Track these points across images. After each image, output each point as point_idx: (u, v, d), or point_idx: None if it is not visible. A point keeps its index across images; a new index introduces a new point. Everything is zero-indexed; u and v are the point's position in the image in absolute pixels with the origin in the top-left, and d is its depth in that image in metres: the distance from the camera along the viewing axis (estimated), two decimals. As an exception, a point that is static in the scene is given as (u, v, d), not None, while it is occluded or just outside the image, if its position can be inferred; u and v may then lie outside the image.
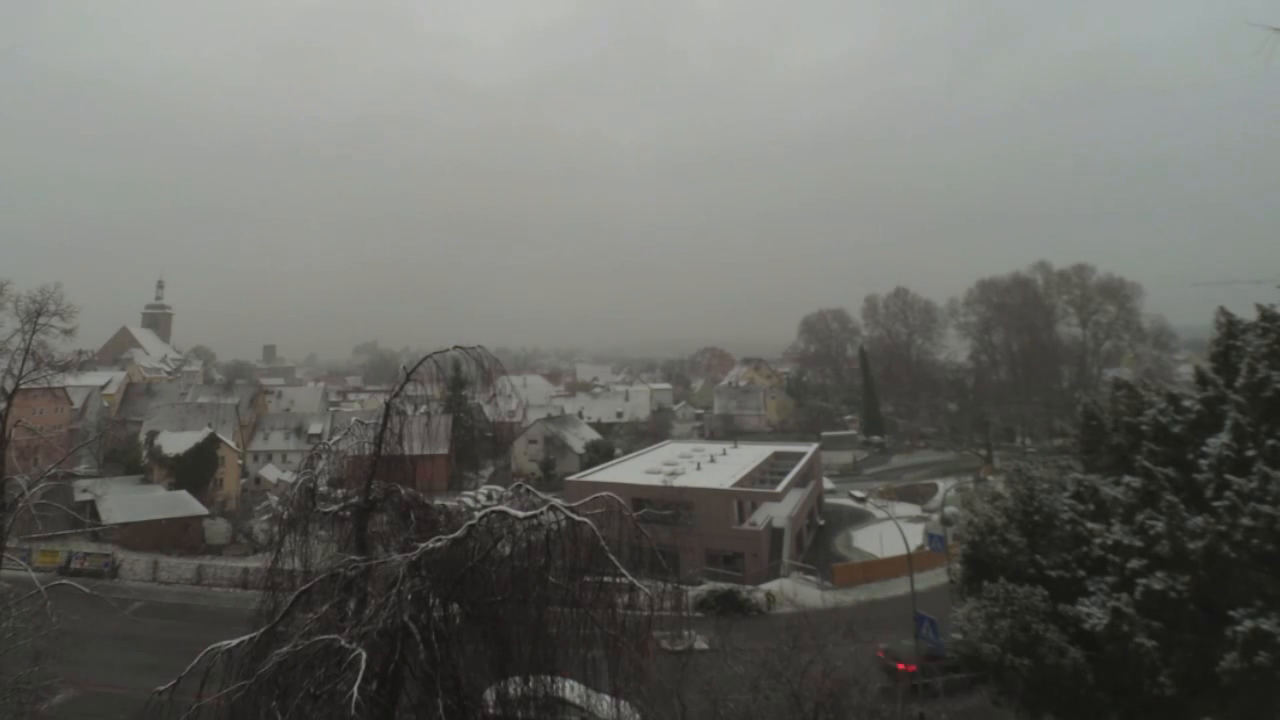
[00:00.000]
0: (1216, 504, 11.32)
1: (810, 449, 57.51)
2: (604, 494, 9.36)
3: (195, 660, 8.03)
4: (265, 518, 46.65)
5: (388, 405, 10.50)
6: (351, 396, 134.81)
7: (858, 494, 61.49)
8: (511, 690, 8.68)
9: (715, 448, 59.47)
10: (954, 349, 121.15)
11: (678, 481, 42.41)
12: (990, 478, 56.36)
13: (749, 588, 32.71)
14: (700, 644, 19.43)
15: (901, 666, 20.06)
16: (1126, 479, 13.65)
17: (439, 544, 8.28)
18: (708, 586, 32.14)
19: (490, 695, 8.79)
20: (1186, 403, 13.58)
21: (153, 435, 63.59)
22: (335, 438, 12.36)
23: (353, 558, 9.07)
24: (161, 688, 7.91)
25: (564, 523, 8.52)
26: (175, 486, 54.63)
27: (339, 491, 10.99)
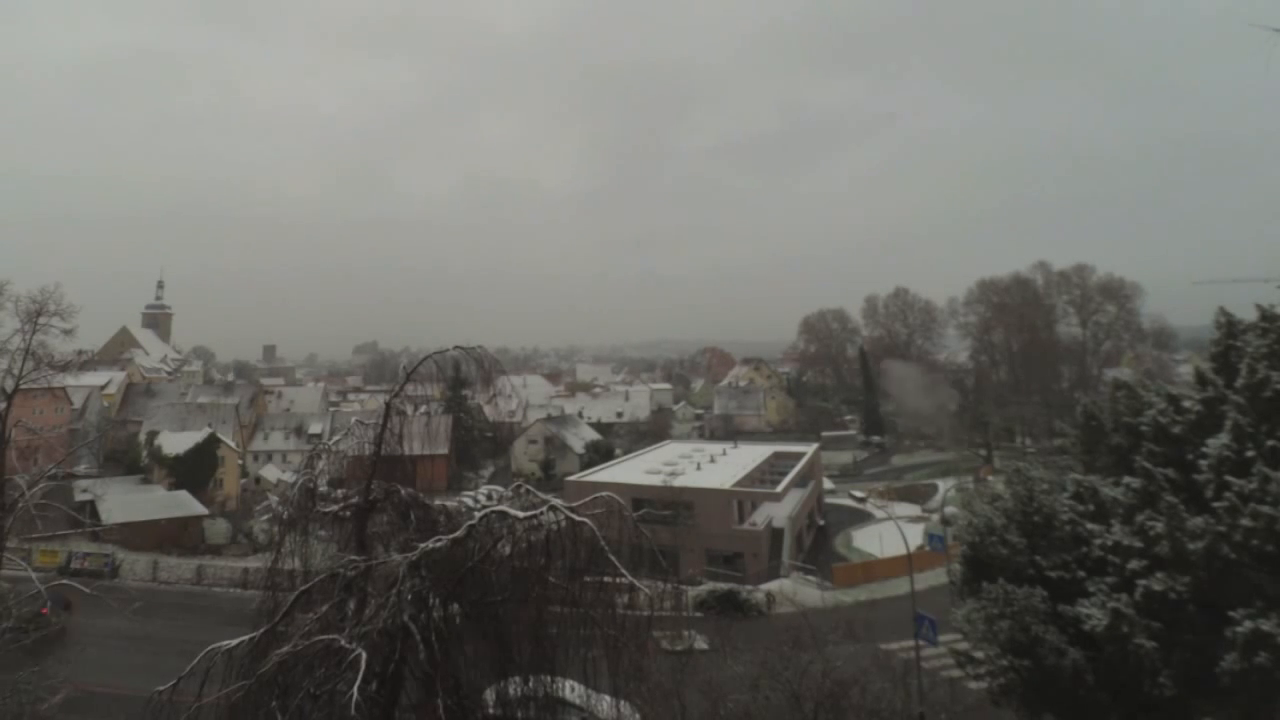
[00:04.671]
0: (1216, 505, 11.30)
1: (810, 449, 57.49)
2: (604, 494, 9.36)
3: (195, 660, 8.03)
4: (265, 518, 46.68)
5: (388, 405, 10.51)
6: (351, 396, 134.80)
7: (858, 494, 61.48)
8: (511, 690, 8.68)
9: (715, 448, 59.45)
10: (954, 349, 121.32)
11: (678, 481, 42.38)
12: (990, 478, 56.39)
13: (749, 588, 32.70)
14: (700, 644, 19.47)
15: None
16: (1126, 480, 13.64)
17: (439, 544, 8.29)
18: (708, 586, 32.12)
19: (490, 695, 8.79)
20: (1186, 403, 13.56)
21: (153, 435, 63.60)
22: (335, 438, 12.38)
23: (353, 558, 9.07)
24: (161, 688, 7.91)
25: (564, 523, 8.52)
26: (175, 486, 54.62)
27: (339, 491, 11.01)
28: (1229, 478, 11.28)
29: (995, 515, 15.32)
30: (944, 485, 61.10)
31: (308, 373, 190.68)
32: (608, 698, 8.69)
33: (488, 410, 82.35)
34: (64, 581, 18.27)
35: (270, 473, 71.02)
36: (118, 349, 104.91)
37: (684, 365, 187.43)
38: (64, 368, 22.39)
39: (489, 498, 54.77)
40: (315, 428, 77.38)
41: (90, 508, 41.14)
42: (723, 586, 32.08)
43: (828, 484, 61.78)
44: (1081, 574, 13.75)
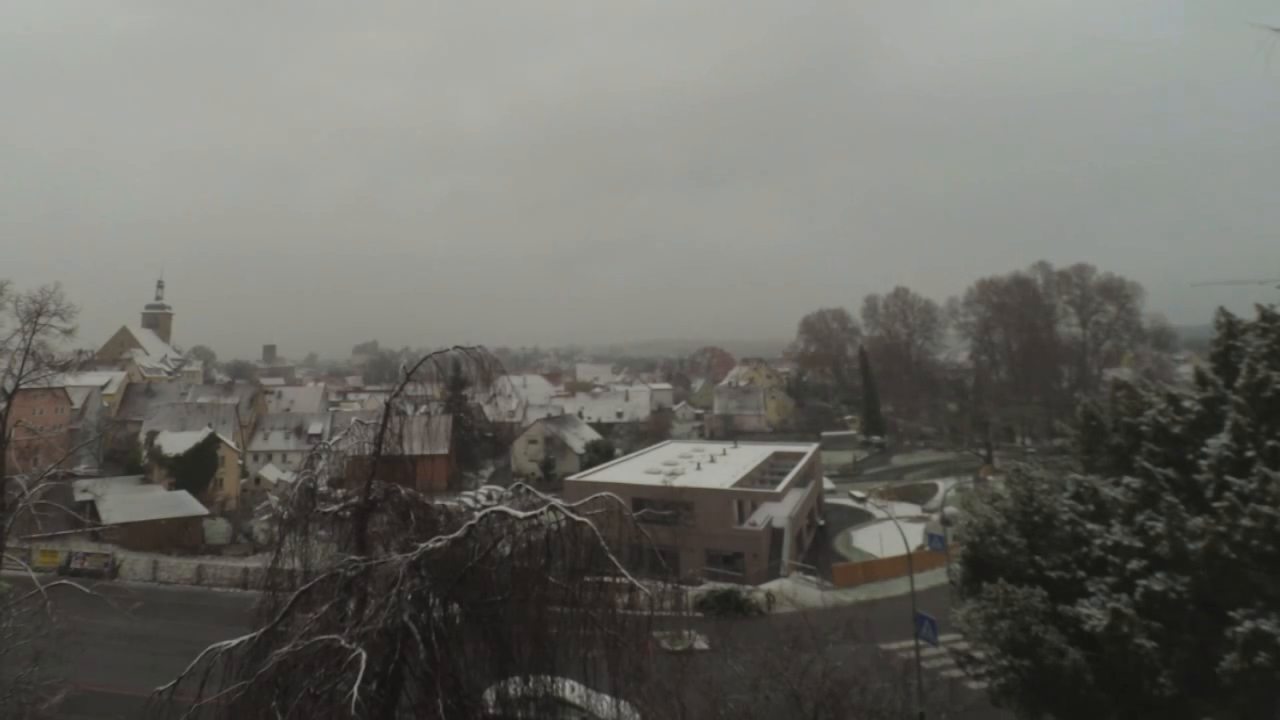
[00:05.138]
0: (1216, 505, 11.29)
1: (810, 449, 57.46)
2: (604, 494, 9.36)
3: (195, 660, 8.03)
4: (265, 518, 46.67)
5: (388, 405, 10.52)
6: (351, 396, 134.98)
7: (858, 494, 61.46)
8: (511, 690, 8.68)
9: (715, 448, 59.44)
10: (954, 349, 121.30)
11: (678, 481, 42.38)
12: (990, 478, 56.36)
13: (749, 588, 32.69)
14: (700, 644, 19.47)
15: None
16: (1126, 480, 13.63)
17: (439, 544, 8.28)
18: (708, 586, 32.12)
19: (490, 695, 8.80)
20: (1186, 403, 13.56)
21: (153, 435, 63.59)
22: (335, 438, 12.39)
23: (353, 558, 9.07)
24: (161, 688, 7.90)
25: (564, 523, 8.52)
26: (175, 486, 54.64)
27: (339, 491, 11.01)
28: (1229, 478, 11.28)
29: (995, 515, 15.32)
30: (944, 485, 61.10)
31: (308, 373, 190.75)
32: (608, 698, 8.69)
33: (488, 410, 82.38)
34: (64, 581, 18.25)
35: (270, 473, 70.99)
36: (118, 349, 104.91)
37: (684, 365, 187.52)
38: (64, 368, 22.36)
39: (489, 498, 54.74)
40: (315, 428, 77.36)
41: (90, 508, 41.12)
42: (723, 586, 32.07)
43: (828, 484, 61.76)
44: (1081, 574, 13.74)
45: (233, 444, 65.34)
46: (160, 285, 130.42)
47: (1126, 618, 12.04)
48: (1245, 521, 10.61)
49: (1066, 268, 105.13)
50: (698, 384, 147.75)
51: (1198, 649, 11.49)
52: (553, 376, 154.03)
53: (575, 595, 8.53)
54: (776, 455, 54.92)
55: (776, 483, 44.89)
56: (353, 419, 12.66)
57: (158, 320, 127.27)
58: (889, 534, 36.94)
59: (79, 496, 43.53)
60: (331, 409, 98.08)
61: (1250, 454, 11.27)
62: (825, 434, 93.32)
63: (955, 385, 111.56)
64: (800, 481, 48.65)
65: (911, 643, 19.80)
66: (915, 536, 37.76)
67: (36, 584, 16.56)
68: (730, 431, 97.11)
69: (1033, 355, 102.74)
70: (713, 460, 51.45)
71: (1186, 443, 12.97)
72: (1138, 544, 12.57)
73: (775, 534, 39.33)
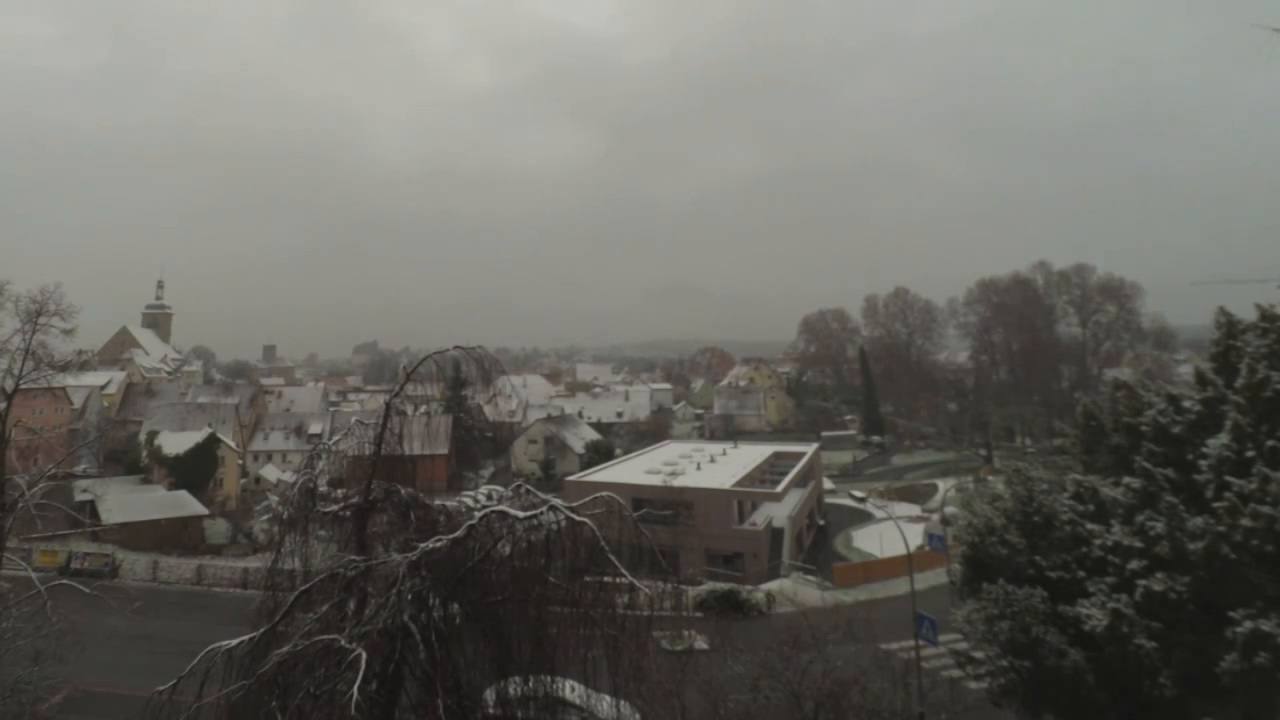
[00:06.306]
0: (1216, 505, 11.30)
1: (810, 449, 57.48)
2: (604, 494, 9.36)
3: (195, 660, 8.03)
4: (265, 518, 46.66)
5: (388, 405, 10.51)
6: (351, 396, 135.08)
7: (858, 494, 61.46)
8: (511, 690, 8.68)
9: (715, 448, 59.46)
10: (954, 349, 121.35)
11: (678, 481, 42.39)
12: (990, 478, 56.37)
13: (749, 588, 32.69)
14: (700, 644, 19.46)
15: None
16: (1126, 480, 13.64)
17: (439, 544, 8.28)
18: (708, 586, 32.11)
19: (490, 695, 8.80)
20: (1186, 403, 13.56)
21: (153, 435, 63.55)
22: (335, 438, 12.40)
23: (353, 558, 9.07)
24: (161, 688, 7.91)
25: (564, 523, 8.52)
26: (175, 486, 54.63)
27: (339, 491, 11.01)
28: (1229, 478, 11.28)
29: (995, 515, 15.33)
30: (944, 485, 61.12)
31: (308, 373, 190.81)
32: (608, 698, 8.69)
33: (488, 410, 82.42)
34: (64, 581, 18.25)
35: (270, 473, 70.99)
36: (118, 349, 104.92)
37: (684, 365, 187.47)
38: (64, 368, 22.34)
39: (489, 498, 54.72)
40: (315, 428, 77.35)
41: (90, 508, 41.09)
42: (723, 586, 32.06)
43: (828, 484, 61.77)
44: (1081, 574, 13.75)
45: (233, 444, 65.34)
46: (160, 285, 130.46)
47: (1126, 618, 12.05)
48: (1245, 521, 10.61)
49: (1066, 268, 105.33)
50: (698, 384, 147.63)
51: (1198, 649, 11.49)
52: (553, 376, 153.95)
53: (575, 595, 8.53)
54: (776, 455, 54.94)
55: (776, 483, 44.90)
56: (353, 419, 12.66)
57: (158, 320, 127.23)
58: (889, 534, 36.93)
59: (79, 496, 43.49)
60: (331, 409, 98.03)
61: (1250, 454, 11.27)
62: (825, 434, 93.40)
63: (955, 385, 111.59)
64: (800, 481, 48.65)
65: (911, 643, 19.79)
66: (915, 536, 37.75)
67: (36, 584, 16.55)
68: (730, 431, 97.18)
69: (1033, 355, 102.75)
70: (713, 460, 51.47)
71: (1186, 443, 12.97)
72: (1138, 544, 12.57)
73: (775, 534, 39.32)
